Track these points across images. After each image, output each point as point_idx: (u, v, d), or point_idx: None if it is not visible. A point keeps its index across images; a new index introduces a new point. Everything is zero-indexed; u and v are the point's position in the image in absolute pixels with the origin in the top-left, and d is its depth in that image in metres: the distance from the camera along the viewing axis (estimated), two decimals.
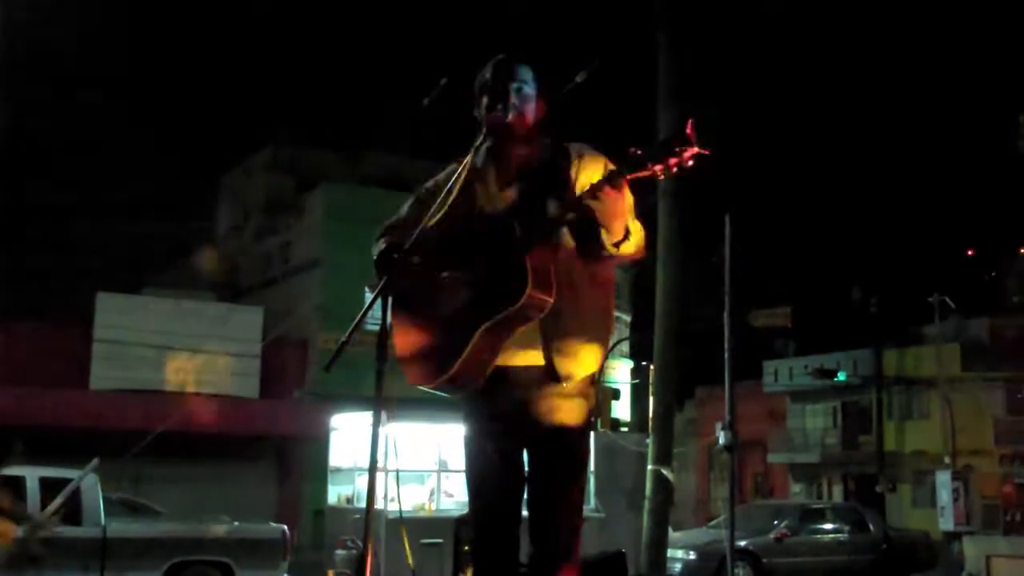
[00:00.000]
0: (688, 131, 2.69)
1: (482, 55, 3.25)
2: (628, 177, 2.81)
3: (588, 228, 2.95)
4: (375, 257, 3.17)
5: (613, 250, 2.98)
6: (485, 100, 3.16)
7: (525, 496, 3.17)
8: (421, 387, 3.10)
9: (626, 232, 2.96)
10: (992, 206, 47.93)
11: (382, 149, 30.35)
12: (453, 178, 3.15)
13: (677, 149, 2.69)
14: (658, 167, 2.73)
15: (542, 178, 3.11)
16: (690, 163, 2.71)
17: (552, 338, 3.02)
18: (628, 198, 3.00)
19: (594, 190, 2.84)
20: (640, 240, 3.04)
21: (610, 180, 2.82)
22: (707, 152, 2.71)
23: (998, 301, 36.07)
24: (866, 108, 59.66)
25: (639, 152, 2.76)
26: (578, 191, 2.97)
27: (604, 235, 2.95)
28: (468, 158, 3.16)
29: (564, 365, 3.04)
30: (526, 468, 3.17)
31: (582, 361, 3.07)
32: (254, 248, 31.38)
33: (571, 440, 3.12)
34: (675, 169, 2.72)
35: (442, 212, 3.14)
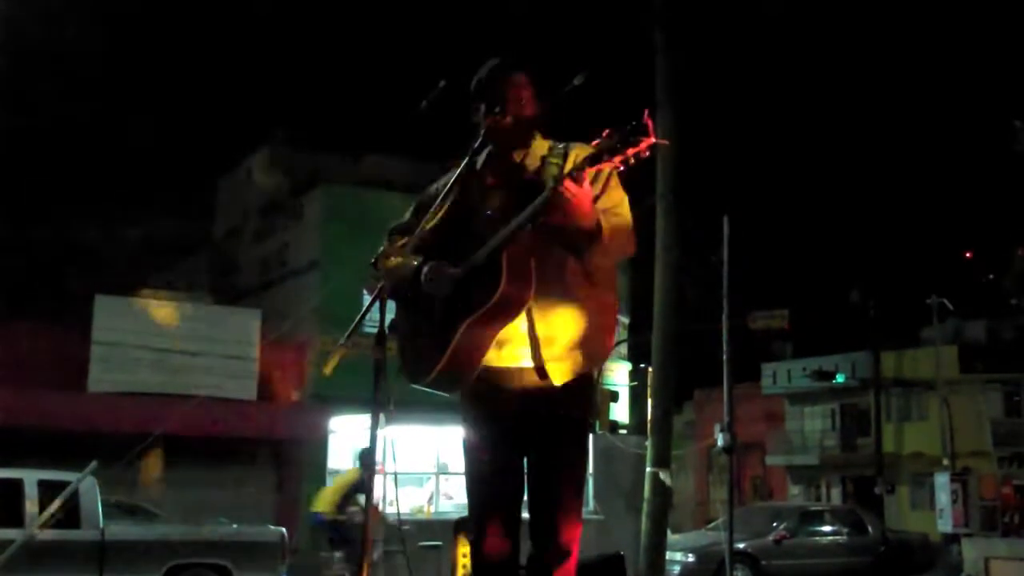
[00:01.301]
0: (645, 121, 2.69)
1: (480, 56, 3.26)
2: (588, 169, 2.79)
3: (557, 224, 2.90)
4: (373, 260, 3.18)
5: (586, 245, 2.96)
6: (482, 103, 3.17)
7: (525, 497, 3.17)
8: (414, 385, 3.10)
9: (598, 228, 2.92)
10: (990, 208, 47.98)
11: (380, 151, 30.33)
12: (450, 181, 3.16)
13: (632, 140, 2.69)
14: (617, 158, 2.71)
15: (537, 183, 3.11)
16: (647, 154, 2.71)
17: (541, 338, 3.02)
18: (620, 195, 3.01)
19: (556, 183, 2.81)
20: (617, 235, 2.99)
21: (568, 174, 2.80)
22: (665, 143, 2.73)
23: (996, 303, 36.10)
24: (864, 110, 59.76)
25: (595, 144, 2.75)
26: None
27: (574, 230, 2.91)
28: (465, 161, 3.17)
29: (554, 366, 3.03)
30: (526, 470, 3.17)
31: (574, 361, 3.05)
32: (252, 250, 31.37)
33: (569, 441, 3.12)
34: (632, 160, 2.71)
35: (439, 214, 3.15)
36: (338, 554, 10.35)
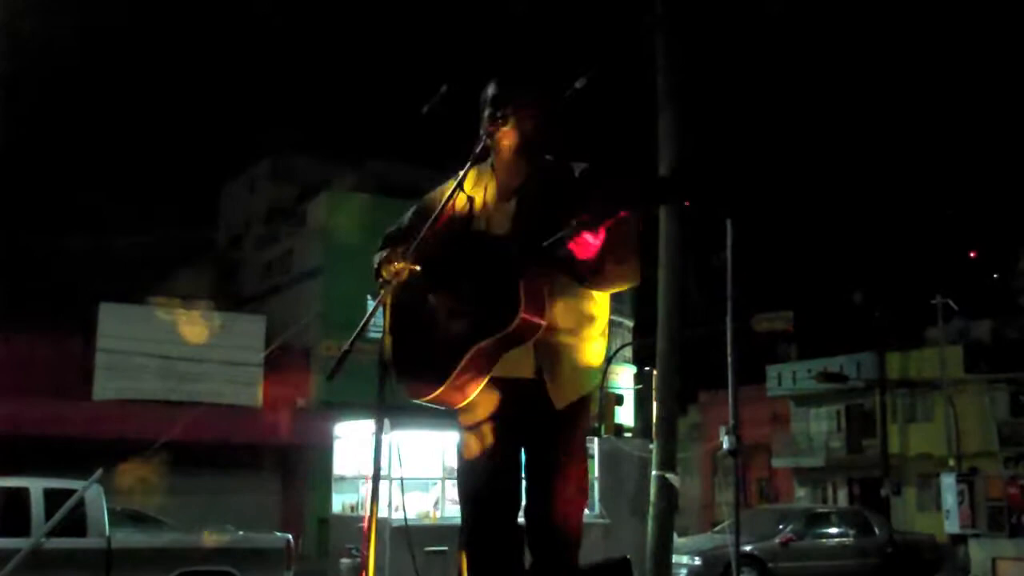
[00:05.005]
0: (675, 177, 2.70)
1: (482, 62, 3.26)
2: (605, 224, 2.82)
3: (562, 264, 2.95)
4: (375, 265, 3.18)
5: (588, 278, 2.99)
6: (487, 114, 3.17)
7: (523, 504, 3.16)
8: (415, 400, 3.10)
9: (602, 266, 2.94)
10: (994, 207, 47.91)
11: (383, 157, 30.38)
12: (451, 189, 3.15)
13: (658, 195, 2.71)
14: (608, 222, 2.75)
15: (541, 198, 3.11)
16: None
17: (545, 360, 3.04)
18: (627, 230, 2.99)
19: (553, 244, 2.84)
20: (619, 271, 3.00)
21: (561, 239, 2.83)
22: (687, 203, 2.72)
23: (1001, 303, 36.02)
24: (868, 109, 59.70)
25: (584, 218, 2.77)
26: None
27: (578, 265, 2.94)
28: (466, 169, 3.16)
29: (557, 389, 3.05)
30: (523, 474, 3.17)
31: (576, 382, 3.09)
32: (256, 257, 31.42)
33: (568, 446, 3.11)
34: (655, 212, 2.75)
35: (441, 223, 3.15)
36: None
